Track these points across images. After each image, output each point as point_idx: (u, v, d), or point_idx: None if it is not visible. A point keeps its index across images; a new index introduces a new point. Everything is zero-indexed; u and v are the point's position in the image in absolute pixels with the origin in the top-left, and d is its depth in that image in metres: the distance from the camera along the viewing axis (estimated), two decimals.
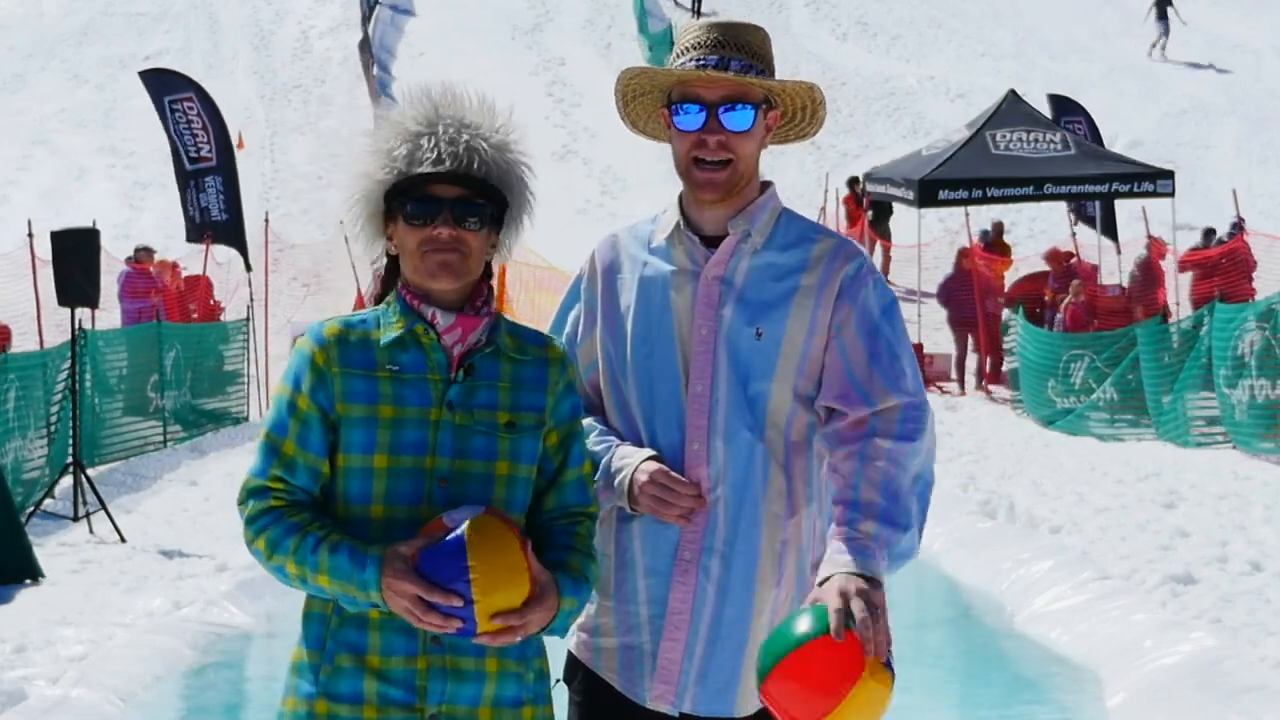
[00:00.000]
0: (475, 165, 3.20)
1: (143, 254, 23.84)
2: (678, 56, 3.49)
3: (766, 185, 3.55)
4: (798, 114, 3.58)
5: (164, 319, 20.01)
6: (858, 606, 3.08)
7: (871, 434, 3.33)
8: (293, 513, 3.15)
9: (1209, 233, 25.32)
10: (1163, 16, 41.42)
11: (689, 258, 3.49)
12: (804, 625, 3.04)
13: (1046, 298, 23.66)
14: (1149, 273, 24.09)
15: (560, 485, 3.28)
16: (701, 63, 3.43)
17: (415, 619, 3.04)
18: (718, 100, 3.41)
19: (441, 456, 3.15)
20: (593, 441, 3.45)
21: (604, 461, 3.44)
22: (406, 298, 3.23)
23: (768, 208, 3.52)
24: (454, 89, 3.26)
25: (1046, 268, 24.94)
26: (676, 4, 44.38)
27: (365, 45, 40.49)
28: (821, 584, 3.16)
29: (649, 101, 3.56)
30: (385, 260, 3.31)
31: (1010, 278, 25.56)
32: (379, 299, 3.31)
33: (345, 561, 3.07)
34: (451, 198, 3.18)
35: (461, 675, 3.15)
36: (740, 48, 3.44)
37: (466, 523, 3.03)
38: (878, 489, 3.27)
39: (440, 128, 3.20)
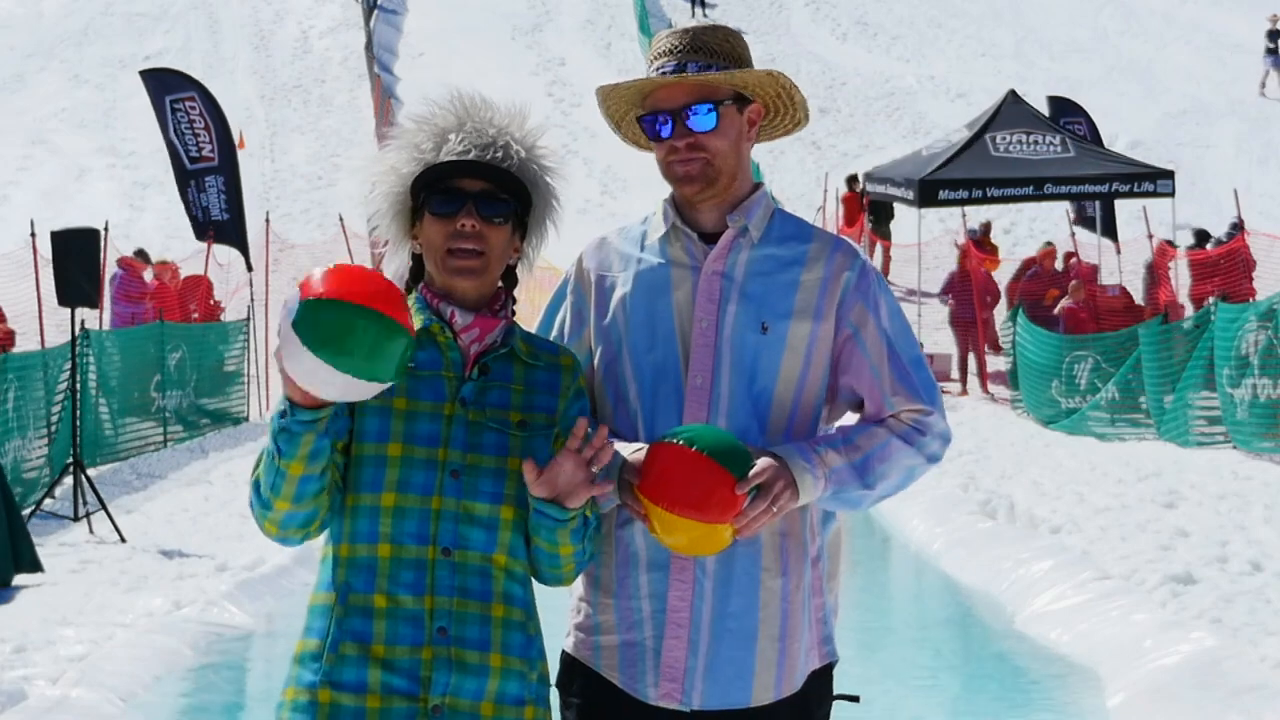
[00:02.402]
0: (501, 159, 3.25)
1: (137, 257, 23.86)
2: (646, 69, 3.54)
3: (757, 186, 3.58)
4: (776, 104, 3.60)
5: (161, 319, 20.00)
6: (770, 494, 3.30)
7: (891, 414, 3.52)
8: None
9: (1202, 235, 25.32)
10: (1273, 52, 38.99)
11: (687, 253, 3.52)
12: (736, 456, 3.28)
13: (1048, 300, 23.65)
14: (1154, 273, 24.13)
15: None
16: (661, 71, 3.48)
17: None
18: (680, 106, 3.46)
19: (454, 449, 3.18)
20: None
21: None
22: (427, 296, 3.28)
23: (761, 204, 3.56)
24: (486, 96, 3.32)
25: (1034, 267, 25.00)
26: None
27: (369, 45, 40.51)
28: (774, 454, 3.37)
29: (635, 119, 3.61)
30: (410, 260, 3.34)
31: (1002, 277, 25.58)
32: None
33: None
34: (476, 191, 3.23)
35: (465, 668, 3.16)
36: (698, 50, 3.48)
37: None
38: (871, 441, 3.46)
39: (469, 125, 3.26)
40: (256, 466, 3.17)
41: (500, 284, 3.31)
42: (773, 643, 3.46)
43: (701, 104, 3.45)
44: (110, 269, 22.79)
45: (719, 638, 3.44)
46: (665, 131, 3.47)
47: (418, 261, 3.32)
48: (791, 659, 3.47)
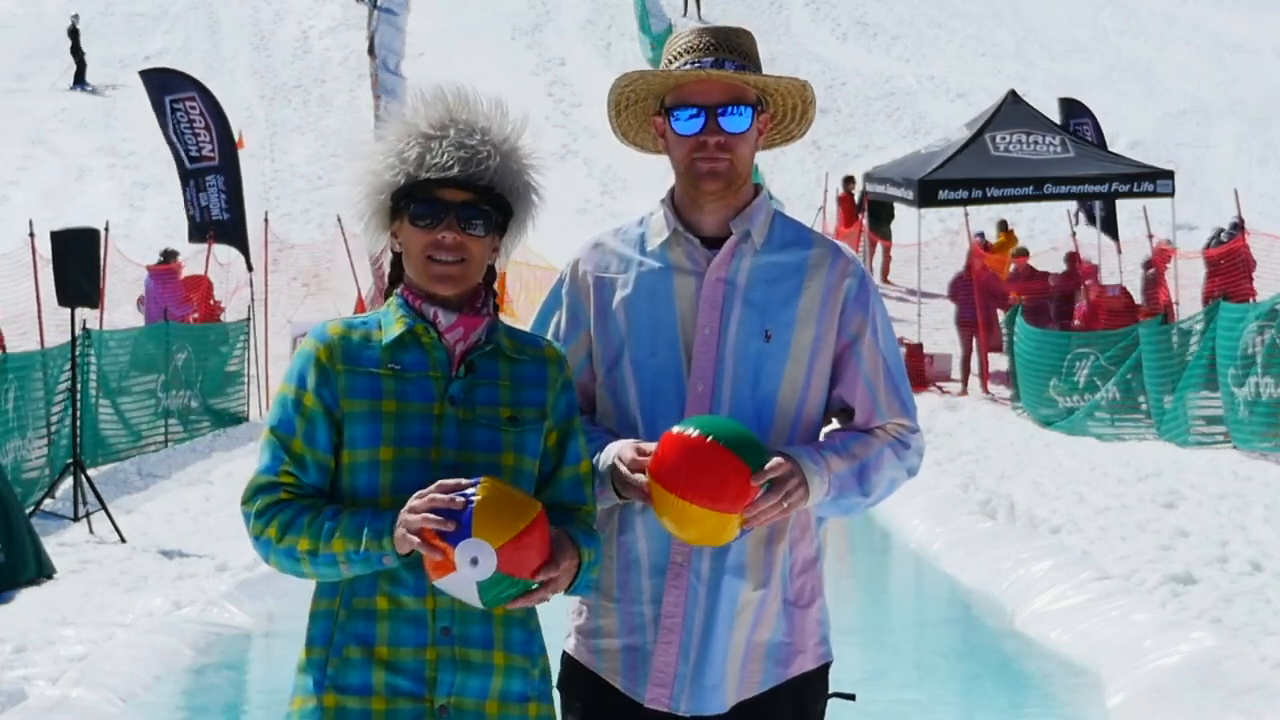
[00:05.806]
0: (483, 171, 3.22)
1: (173, 257, 23.88)
2: (670, 62, 3.49)
3: (756, 189, 3.56)
4: (787, 114, 3.58)
5: (166, 319, 20.01)
6: (783, 489, 3.31)
7: (879, 425, 3.53)
8: (305, 500, 3.18)
9: (1230, 230, 25.31)
10: None
11: (689, 259, 3.49)
12: (752, 447, 3.28)
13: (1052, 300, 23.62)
14: (1153, 273, 24.14)
15: (556, 482, 3.29)
16: (697, 64, 3.44)
17: (420, 542, 3.03)
18: (715, 103, 3.42)
19: (446, 449, 3.18)
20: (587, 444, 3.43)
21: (597, 459, 3.43)
22: (408, 298, 3.27)
23: (763, 209, 3.53)
24: (467, 92, 3.28)
25: (1044, 268, 24.99)
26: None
27: (372, 49, 40.48)
28: (785, 453, 3.36)
29: (640, 110, 3.57)
30: (390, 255, 3.34)
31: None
32: (386, 294, 3.34)
33: (364, 517, 3.11)
34: (458, 202, 3.21)
35: (470, 667, 3.16)
36: (732, 49, 3.46)
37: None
38: (866, 449, 3.47)
39: (451, 132, 3.23)
40: (268, 512, 3.16)
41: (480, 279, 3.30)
42: (758, 649, 3.46)
43: (740, 105, 3.43)
44: (126, 268, 22.84)
45: (707, 644, 3.43)
46: (696, 126, 3.43)
47: (397, 260, 3.31)
48: (755, 664, 3.46)
